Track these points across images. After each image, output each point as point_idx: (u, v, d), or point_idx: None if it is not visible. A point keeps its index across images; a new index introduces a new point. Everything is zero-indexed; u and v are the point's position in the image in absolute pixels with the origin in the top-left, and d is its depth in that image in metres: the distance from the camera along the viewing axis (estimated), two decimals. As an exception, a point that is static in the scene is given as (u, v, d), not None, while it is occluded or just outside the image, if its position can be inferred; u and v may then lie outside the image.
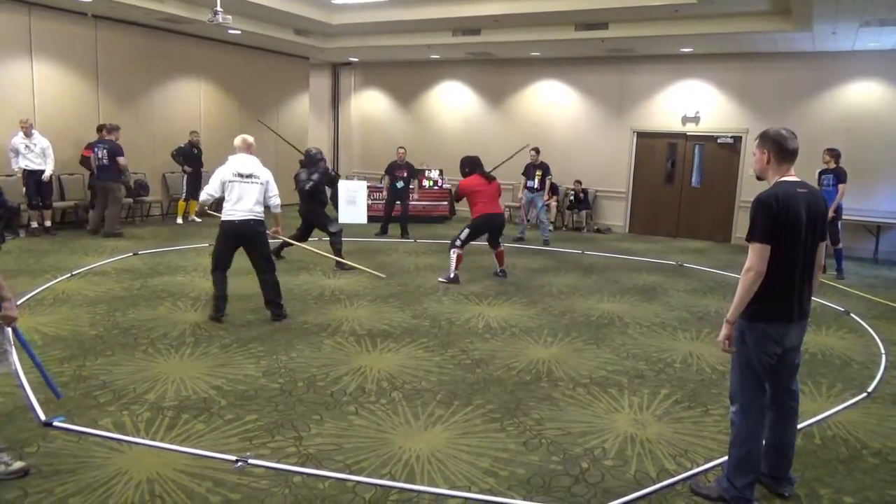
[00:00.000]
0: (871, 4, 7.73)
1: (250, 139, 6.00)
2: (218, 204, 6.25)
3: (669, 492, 3.29)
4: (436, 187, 13.49)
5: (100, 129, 10.28)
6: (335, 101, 16.75)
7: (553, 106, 13.80)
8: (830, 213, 8.66)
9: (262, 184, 5.81)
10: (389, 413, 4.09)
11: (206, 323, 5.81)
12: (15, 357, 3.19)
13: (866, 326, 6.58)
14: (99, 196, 10.11)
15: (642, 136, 13.00)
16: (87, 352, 4.96)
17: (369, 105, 16.30)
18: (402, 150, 11.61)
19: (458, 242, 7.88)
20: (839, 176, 8.94)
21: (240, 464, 3.36)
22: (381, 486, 3.23)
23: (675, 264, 9.82)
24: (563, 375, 4.88)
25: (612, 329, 6.19)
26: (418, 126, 15.51)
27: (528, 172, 11.31)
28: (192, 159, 11.76)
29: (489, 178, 8.02)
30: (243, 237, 5.82)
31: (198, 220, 11.93)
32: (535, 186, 11.22)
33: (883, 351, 5.78)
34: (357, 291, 7.22)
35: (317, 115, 16.48)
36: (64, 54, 10.59)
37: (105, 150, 9.87)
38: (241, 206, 5.73)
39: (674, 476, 3.43)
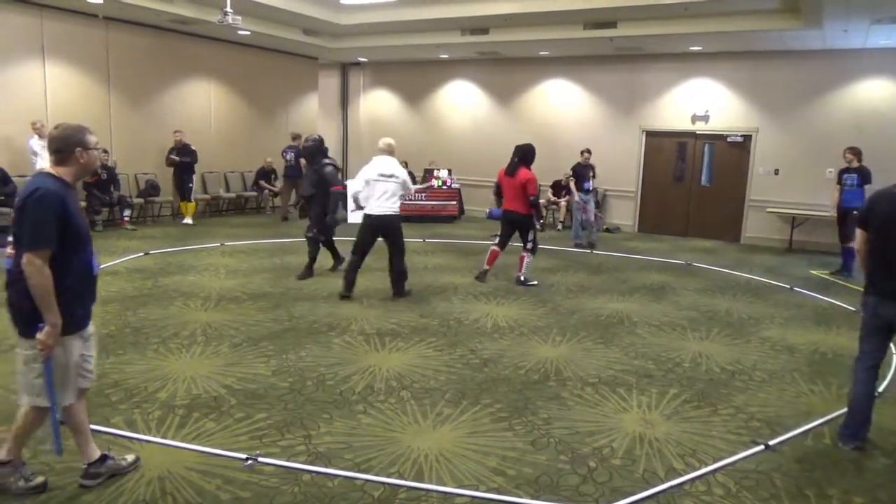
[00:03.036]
0: (883, 2, 7.68)
1: (391, 141, 6.90)
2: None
3: (678, 491, 3.29)
4: (444, 187, 13.50)
5: (295, 137, 12.94)
6: (344, 100, 16.80)
7: (562, 105, 13.79)
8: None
9: (398, 182, 6.69)
10: (398, 412, 4.11)
11: (217, 322, 5.85)
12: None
13: (877, 326, 6.53)
14: (285, 189, 13.04)
15: (651, 134, 12.96)
16: (99, 351, 4.99)
17: (378, 105, 16.33)
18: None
19: (495, 238, 7.96)
20: (864, 175, 8.81)
21: (250, 462, 3.39)
22: (389, 484, 3.25)
23: (683, 263, 9.79)
24: (572, 375, 4.88)
25: (620, 328, 6.18)
26: (427, 125, 15.53)
27: (583, 174, 10.97)
28: (178, 162, 11.44)
29: (509, 171, 7.55)
30: (381, 228, 6.78)
31: (190, 222, 11.66)
32: (592, 188, 11.06)
33: (894, 351, 5.73)
34: (366, 291, 7.24)
35: (326, 115, 16.53)
36: (76, 56, 10.70)
37: (293, 154, 12.60)
38: (379, 202, 6.68)
39: (682, 475, 3.43)
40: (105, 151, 10.48)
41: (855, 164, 8.90)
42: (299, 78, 15.07)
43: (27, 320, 2.83)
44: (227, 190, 13.44)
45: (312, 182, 7.75)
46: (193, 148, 11.47)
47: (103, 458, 3.18)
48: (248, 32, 11.77)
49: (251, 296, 6.83)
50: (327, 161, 7.70)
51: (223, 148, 13.29)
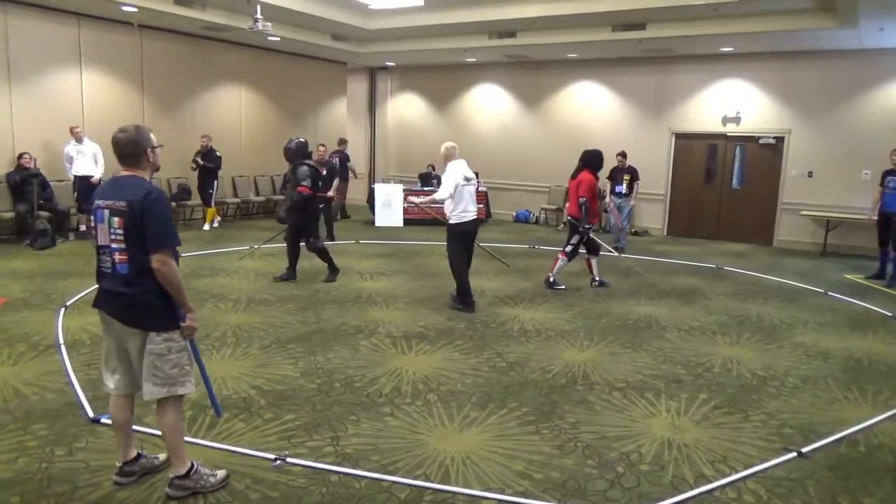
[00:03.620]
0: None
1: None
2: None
3: (707, 498, 3.25)
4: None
5: (342, 142, 13.55)
6: (372, 104, 16.92)
7: (590, 107, 13.70)
8: None
9: (475, 185, 6.76)
10: (424, 414, 4.13)
11: (247, 324, 5.93)
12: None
13: (915, 332, 6.38)
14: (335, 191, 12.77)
15: (681, 137, 12.81)
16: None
17: (406, 108, 16.41)
18: (322, 147, 10.70)
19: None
20: None
21: (278, 462, 3.43)
22: (415, 486, 3.26)
23: (714, 267, 9.65)
24: (599, 379, 4.85)
25: (649, 333, 6.12)
26: (454, 129, 15.54)
27: (616, 177, 11.02)
28: (201, 166, 11.55)
29: (573, 176, 7.82)
30: (474, 234, 6.78)
31: (207, 228, 11.67)
32: (624, 191, 11.00)
33: (933, 357, 5.59)
34: (393, 294, 7.28)
35: (354, 119, 16.67)
36: (111, 63, 10.96)
37: (338, 158, 12.61)
38: (472, 207, 6.59)
39: (712, 482, 3.38)
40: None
41: None
42: (328, 83, 15.22)
43: (161, 315, 2.98)
44: (257, 193, 13.62)
45: (293, 184, 7.50)
46: (219, 154, 11.56)
47: (137, 456, 3.25)
48: (277, 38, 11.94)
49: (280, 298, 6.91)
50: (304, 162, 7.44)
51: (253, 152, 13.50)
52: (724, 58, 12.08)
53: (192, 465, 3.13)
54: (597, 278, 7.98)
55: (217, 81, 12.78)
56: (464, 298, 6.64)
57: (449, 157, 6.64)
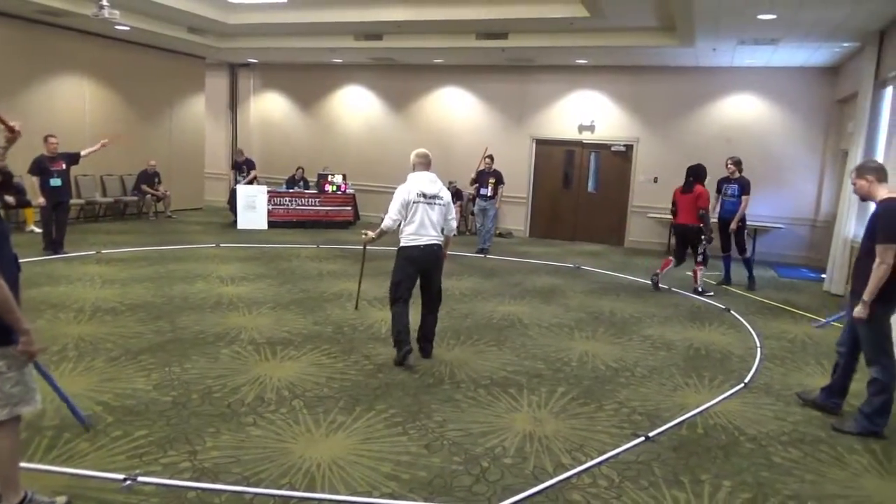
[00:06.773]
0: (747, 25, 8.36)
1: (427, 153, 5.35)
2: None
3: (565, 485, 3.41)
4: (339, 192, 13.34)
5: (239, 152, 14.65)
6: (233, 102, 16.24)
7: (456, 112, 14.00)
8: (734, 225, 8.81)
9: (443, 205, 5.22)
10: (290, 422, 4.01)
11: (91, 335, 5.47)
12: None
13: (744, 322, 7.08)
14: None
15: (541, 143, 13.42)
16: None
17: (269, 107, 15.92)
18: (53, 140, 8.91)
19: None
20: (744, 186, 8.77)
21: (128, 482, 3.19)
22: (279, 496, 3.16)
23: (572, 267, 10.19)
24: (465, 377, 4.95)
25: (512, 330, 6.34)
26: (320, 130, 15.31)
27: (482, 180, 11.20)
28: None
29: (685, 190, 8.31)
30: (425, 263, 5.19)
31: (37, 230, 10.37)
32: (489, 194, 11.07)
33: (758, 344, 6.24)
34: (256, 299, 7.02)
35: (213, 118, 15.91)
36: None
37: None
38: (429, 230, 5.15)
39: (569, 470, 3.56)
40: None
41: (736, 175, 8.83)
42: (184, 78, 14.40)
43: None
44: (104, 194, 12.63)
45: None
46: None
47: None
48: (127, 28, 11.13)
49: (130, 307, 6.44)
50: None
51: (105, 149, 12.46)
52: (580, 69, 12.80)
53: (26, 495, 2.82)
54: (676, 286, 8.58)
55: (57, 72, 11.67)
56: (396, 341, 5.13)
57: (414, 166, 5.32)
